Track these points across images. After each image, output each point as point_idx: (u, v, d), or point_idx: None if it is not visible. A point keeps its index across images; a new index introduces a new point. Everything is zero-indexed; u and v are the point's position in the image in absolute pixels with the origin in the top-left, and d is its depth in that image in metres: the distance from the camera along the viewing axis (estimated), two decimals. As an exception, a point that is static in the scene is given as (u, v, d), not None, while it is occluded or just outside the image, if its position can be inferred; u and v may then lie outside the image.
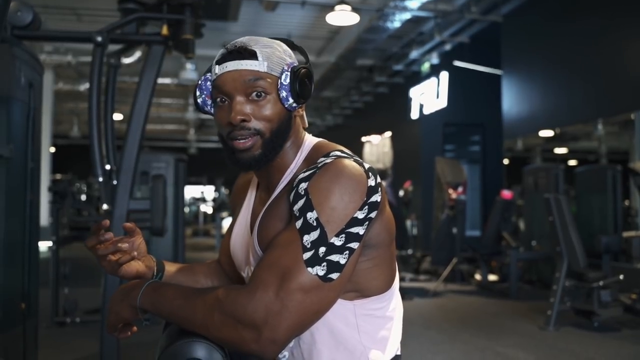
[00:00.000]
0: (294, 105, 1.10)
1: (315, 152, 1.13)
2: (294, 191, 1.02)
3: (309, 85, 1.11)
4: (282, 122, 1.10)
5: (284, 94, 1.08)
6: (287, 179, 1.12)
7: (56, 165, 13.45)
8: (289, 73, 1.08)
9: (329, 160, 1.03)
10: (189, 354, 0.97)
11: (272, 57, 1.09)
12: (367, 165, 1.04)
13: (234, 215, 1.31)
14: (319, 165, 1.03)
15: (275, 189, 1.13)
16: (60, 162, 16.58)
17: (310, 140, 1.18)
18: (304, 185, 1.00)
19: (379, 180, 1.04)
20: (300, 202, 0.99)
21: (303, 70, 1.09)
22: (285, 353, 1.12)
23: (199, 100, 1.16)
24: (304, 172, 1.04)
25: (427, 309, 5.49)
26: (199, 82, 1.16)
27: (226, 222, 12.65)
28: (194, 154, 19.87)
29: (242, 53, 1.07)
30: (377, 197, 1.02)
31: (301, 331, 1.00)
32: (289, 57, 1.13)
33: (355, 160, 1.04)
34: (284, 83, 1.07)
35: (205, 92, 1.15)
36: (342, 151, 1.10)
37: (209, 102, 1.15)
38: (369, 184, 1.01)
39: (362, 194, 1.00)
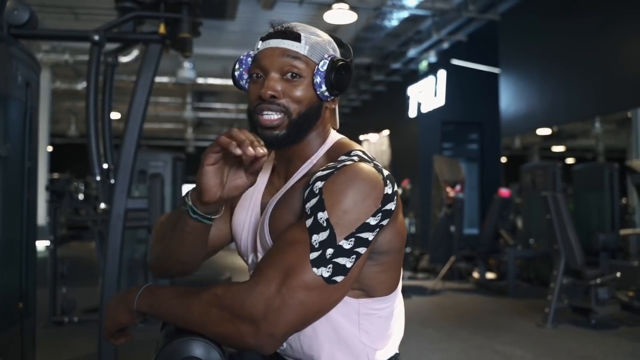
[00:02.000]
0: (326, 94, 1.11)
1: (337, 148, 1.14)
2: (309, 188, 1.02)
3: (346, 79, 1.12)
4: (311, 108, 1.11)
5: (318, 79, 1.09)
6: (305, 170, 1.13)
7: (54, 164, 13.45)
8: (327, 61, 1.10)
9: (348, 162, 1.03)
10: (186, 352, 0.97)
11: (316, 44, 1.11)
12: (386, 172, 1.04)
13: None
14: (338, 166, 1.02)
15: (291, 178, 1.14)
16: (58, 161, 16.55)
17: (333, 136, 1.18)
18: (319, 184, 1.00)
19: (396, 188, 1.04)
20: (313, 201, 0.99)
21: (342, 62, 1.11)
22: (284, 344, 1.12)
23: (236, 73, 1.18)
24: (322, 170, 1.04)
25: (425, 307, 5.50)
26: (241, 56, 1.18)
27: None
28: (192, 152, 19.83)
29: (286, 33, 1.10)
30: (391, 206, 1.02)
31: (300, 328, 1.00)
32: (333, 50, 1.15)
33: (374, 166, 1.04)
34: (321, 69, 1.09)
35: (244, 67, 1.17)
36: (363, 152, 1.10)
37: (245, 76, 1.17)
38: (385, 192, 1.01)
39: (377, 201, 0.99)
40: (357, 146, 1.14)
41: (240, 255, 1.24)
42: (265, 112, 1.08)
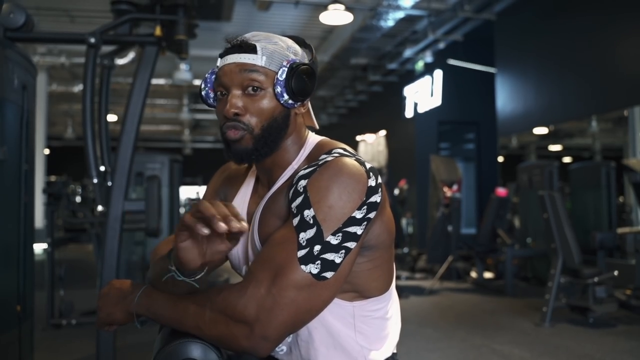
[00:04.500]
0: (290, 101, 1.09)
1: (318, 149, 1.13)
2: (293, 188, 1.01)
3: (308, 83, 1.09)
4: (276, 119, 1.09)
5: (278, 89, 1.07)
6: (287, 176, 1.12)
7: (51, 167, 13.41)
8: (286, 69, 1.07)
9: (329, 158, 1.03)
10: (184, 354, 0.97)
11: (273, 53, 1.08)
12: (368, 165, 1.04)
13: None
14: (320, 163, 1.02)
15: (274, 184, 1.13)
16: (55, 164, 16.55)
17: (313, 139, 1.17)
18: (303, 182, 1.00)
19: (379, 180, 1.03)
20: (299, 200, 0.99)
21: (302, 66, 1.08)
22: (284, 347, 1.12)
23: (202, 93, 1.17)
24: (305, 169, 1.03)
25: (423, 307, 5.50)
26: (206, 75, 1.17)
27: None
28: (189, 154, 19.84)
29: (242, 47, 1.08)
30: (376, 198, 1.01)
31: (294, 328, 0.99)
32: (293, 54, 1.12)
33: (356, 160, 1.04)
34: (280, 78, 1.07)
35: (209, 85, 1.16)
36: (344, 149, 1.10)
37: (212, 95, 1.16)
38: (369, 184, 1.00)
39: (361, 194, 0.99)
40: (338, 144, 1.13)
41: (234, 269, 1.24)
42: (230, 130, 1.08)
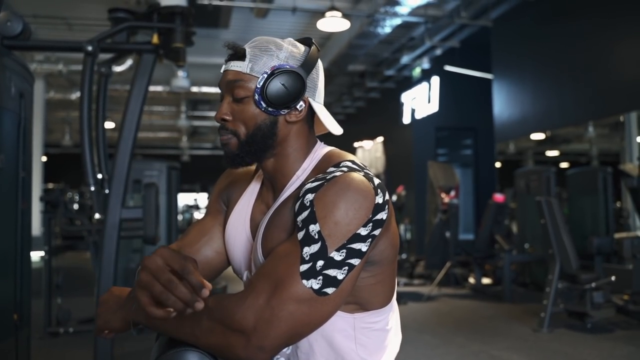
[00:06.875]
0: (270, 109, 1.07)
1: (326, 161, 1.11)
2: (299, 201, 1.00)
3: (288, 89, 1.06)
4: (260, 126, 1.08)
5: (256, 97, 1.07)
6: (294, 186, 1.11)
7: (48, 174, 13.39)
8: (265, 76, 1.06)
9: (338, 173, 1.01)
10: (181, 362, 0.97)
11: (259, 59, 1.07)
12: (377, 181, 1.02)
13: (228, 206, 1.26)
14: (328, 178, 1.01)
15: (280, 195, 1.12)
16: (52, 171, 16.51)
17: (322, 150, 1.15)
18: (310, 196, 0.99)
19: (387, 197, 1.02)
20: (305, 214, 0.98)
21: (282, 74, 1.06)
22: (282, 359, 1.12)
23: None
24: (312, 182, 1.02)
25: (422, 313, 5.50)
26: None
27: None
28: (187, 161, 19.81)
29: (235, 53, 1.09)
30: (383, 215, 1.00)
31: (291, 341, 0.98)
32: (286, 59, 1.09)
33: (365, 175, 1.02)
34: (258, 86, 1.06)
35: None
36: (353, 162, 1.08)
37: None
38: (376, 201, 0.99)
39: (368, 211, 0.98)
40: (347, 156, 1.11)
41: (236, 273, 1.23)
42: (220, 134, 1.12)
